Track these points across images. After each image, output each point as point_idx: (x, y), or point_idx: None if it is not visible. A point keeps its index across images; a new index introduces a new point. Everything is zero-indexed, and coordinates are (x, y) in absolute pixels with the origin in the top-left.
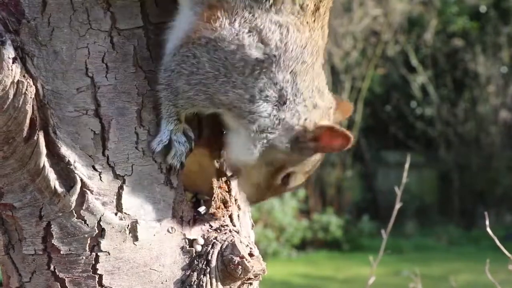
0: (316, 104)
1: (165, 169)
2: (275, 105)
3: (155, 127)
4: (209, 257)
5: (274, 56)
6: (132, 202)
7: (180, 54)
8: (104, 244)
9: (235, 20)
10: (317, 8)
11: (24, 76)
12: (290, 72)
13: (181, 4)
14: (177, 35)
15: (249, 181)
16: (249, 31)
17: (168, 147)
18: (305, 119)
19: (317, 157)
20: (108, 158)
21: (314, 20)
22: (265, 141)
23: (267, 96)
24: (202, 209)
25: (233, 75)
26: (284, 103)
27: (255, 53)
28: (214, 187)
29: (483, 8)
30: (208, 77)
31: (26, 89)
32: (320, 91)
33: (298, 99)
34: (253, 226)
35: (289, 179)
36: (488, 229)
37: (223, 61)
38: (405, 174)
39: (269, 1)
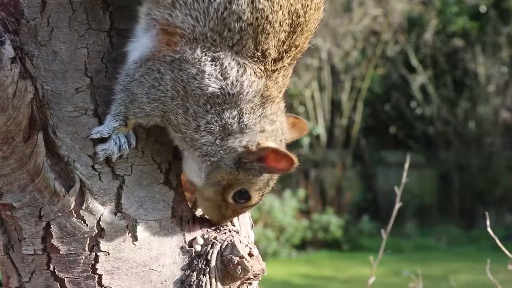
0: (264, 129)
1: (164, 169)
2: (218, 136)
3: (154, 126)
4: (209, 257)
5: (229, 94)
6: (132, 202)
7: (146, 66)
8: (103, 244)
9: (196, 46)
10: (280, 58)
11: (23, 76)
12: (238, 110)
13: (140, 22)
14: (141, 49)
15: (205, 201)
16: (212, 60)
17: (104, 140)
18: (248, 141)
19: (266, 176)
20: (107, 158)
21: (275, 70)
22: (208, 163)
23: (211, 128)
24: (198, 213)
25: (188, 100)
26: (229, 134)
27: (213, 85)
28: None
29: (483, 8)
30: (166, 95)
31: (26, 89)
32: (270, 119)
33: (243, 130)
34: (252, 226)
35: (241, 197)
36: (489, 229)
37: (184, 83)
38: (405, 174)
39: (232, 39)
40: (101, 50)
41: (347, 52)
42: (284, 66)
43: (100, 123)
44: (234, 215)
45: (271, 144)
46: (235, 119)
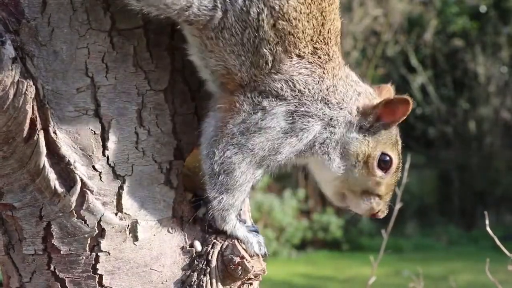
0: (359, 92)
1: (165, 169)
2: (329, 126)
3: (155, 127)
4: (209, 257)
5: (313, 97)
6: (132, 202)
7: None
8: (104, 244)
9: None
10: (326, 43)
11: (24, 76)
12: (321, 100)
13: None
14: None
15: (355, 195)
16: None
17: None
18: (357, 108)
19: (393, 132)
20: (108, 158)
21: (320, 56)
22: (338, 147)
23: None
24: (202, 211)
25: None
26: (339, 112)
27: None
28: None
29: (483, 8)
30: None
31: (26, 89)
32: (354, 81)
33: (343, 103)
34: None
35: (385, 163)
36: (488, 229)
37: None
38: (405, 174)
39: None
40: (102, 50)
41: (347, 52)
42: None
43: (102, 123)
44: (389, 191)
45: (377, 100)
46: (334, 101)
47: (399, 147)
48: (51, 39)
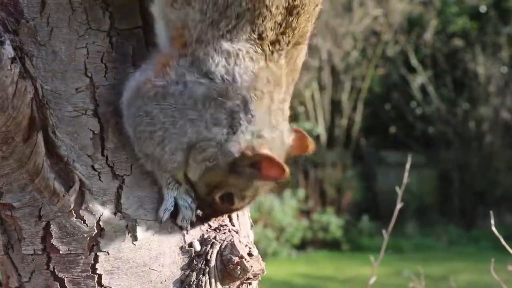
0: (262, 135)
1: None
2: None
3: None
4: (208, 257)
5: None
6: (131, 202)
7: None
8: (103, 244)
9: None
10: (277, 40)
11: (23, 76)
12: (242, 100)
13: None
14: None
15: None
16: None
17: (175, 212)
18: (246, 146)
19: (258, 184)
20: (107, 158)
21: (272, 52)
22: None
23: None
24: (199, 212)
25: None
26: (234, 133)
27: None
28: None
29: (483, 8)
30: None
31: (25, 89)
32: (271, 125)
33: (248, 127)
34: (252, 226)
35: (226, 199)
36: (493, 228)
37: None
38: (406, 174)
39: (227, 26)
40: (101, 50)
41: (347, 52)
42: (282, 49)
43: (101, 123)
44: (215, 215)
45: (266, 151)
46: (241, 109)
47: (252, 197)
48: (50, 39)
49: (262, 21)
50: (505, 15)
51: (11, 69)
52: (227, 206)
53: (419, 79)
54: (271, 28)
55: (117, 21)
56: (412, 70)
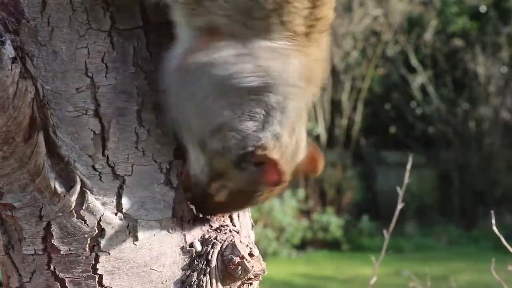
0: (280, 138)
1: (165, 169)
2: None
3: (155, 127)
4: (209, 257)
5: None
6: (132, 202)
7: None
8: (104, 244)
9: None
10: (308, 33)
11: (24, 76)
12: (282, 98)
13: None
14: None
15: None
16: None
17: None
18: (261, 144)
19: (254, 188)
20: (108, 158)
21: (305, 45)
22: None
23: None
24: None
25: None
26: (263, 129)
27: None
28: None
29: (483, 8)
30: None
31: (26, 89)
32: (292, 129)
33: (275, 127)
34: (253, 226)
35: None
36: (495, 228)
37: None
38: (407, 174)
39: (259, 26)
40: (102, 50)
41: (347, 52)
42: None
43: (102, 123)
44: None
45: (276, 155)
46: (279, 105)
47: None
48: (50, 39)
49: (290, 17)
50: (505, 15)
51: (12, 69)
52: (219, 202)
53: (419, 79)
54: (300, 23)
55: (118, 21)
56: (412, 70)
